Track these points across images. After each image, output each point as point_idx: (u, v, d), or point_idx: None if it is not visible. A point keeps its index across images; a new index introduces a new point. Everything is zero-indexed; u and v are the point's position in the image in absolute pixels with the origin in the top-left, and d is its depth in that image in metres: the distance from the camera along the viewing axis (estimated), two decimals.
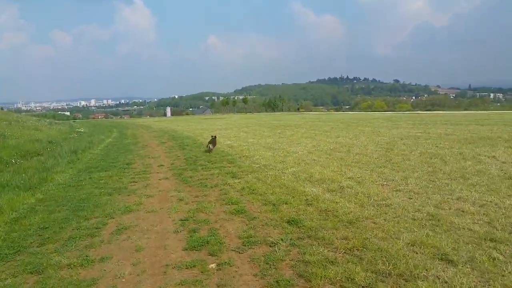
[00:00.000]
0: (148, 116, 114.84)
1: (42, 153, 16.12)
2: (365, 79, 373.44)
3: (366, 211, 5.38)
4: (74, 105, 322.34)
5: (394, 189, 6.59)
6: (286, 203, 6.11)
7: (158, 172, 10.03)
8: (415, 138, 14.07)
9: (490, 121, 23.20)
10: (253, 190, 7.11)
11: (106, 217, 6.19)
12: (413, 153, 10.37)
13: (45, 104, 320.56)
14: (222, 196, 6.96)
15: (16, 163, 12.71)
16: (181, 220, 5.72)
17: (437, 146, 11.40)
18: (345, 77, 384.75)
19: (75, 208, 6.78)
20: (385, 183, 7.07)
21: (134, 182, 8.92)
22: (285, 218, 5.33)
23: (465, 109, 59.36)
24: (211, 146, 13.76)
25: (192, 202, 6.76)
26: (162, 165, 11.14)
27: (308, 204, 5.96)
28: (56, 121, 48.73)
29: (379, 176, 7.64)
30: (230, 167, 9.98)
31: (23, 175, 10.07)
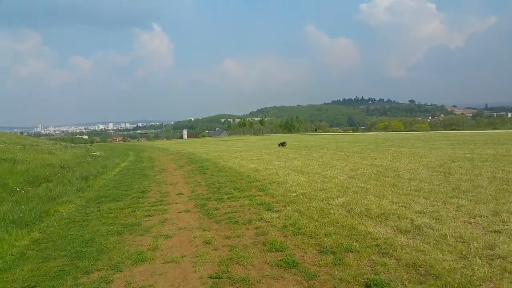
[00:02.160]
0: (165, 139, 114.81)
1: (52, 179, 14.95)
2: (380, 99, 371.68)
3: (477, 268, 3.76)
4: (93, 128, 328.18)
5: (491, 230, 4.95)
6: (350, 251, 4.54)
7: (177, 203, 8.58)
8: (468, 160, 12.34)
9: None
10: (299, 229, 5.58)
11: (112, 269, 4.74)
12: (479, 178, 8.70)
13: (64, 128, 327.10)
14: (260, 238, 5.44)
15: (22, 191, 11.47)
16: (211, 277, 4.21)
17: (503, 170, 9.69)
18: (360, 98, 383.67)
19: (74, 255, 5.36)
20: (472, 220, 5.44)
21: (149, 216, 7.49)
22: (360, 279, 3.76)
23: (486, 128, 56.83)
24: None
25: (223, 246, 5.25)
26: (181, 194, 9.71)
27: (382, 254, 4.38)
28: (72, 144, 48.27)
29: (458, 210, 6.01)
30: (261, 196, 8.47)
31: (23, 206, 8.75)
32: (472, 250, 4.22)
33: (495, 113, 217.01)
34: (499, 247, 4.22)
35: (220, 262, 4.62)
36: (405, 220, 5.60)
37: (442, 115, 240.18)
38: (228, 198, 8.53)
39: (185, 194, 9.59)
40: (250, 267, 4.41)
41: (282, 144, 26.37)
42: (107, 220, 7.32)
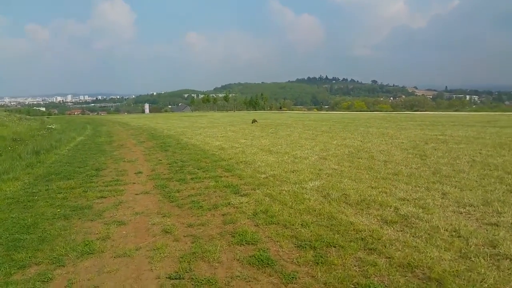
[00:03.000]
0: (126, 113, 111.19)
1: (0, 153, 13.62)
2: (343, 79, 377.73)
3: (484, 272, 3.25)
4: (50, 100, 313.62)
5: (487, 222, 4.52)
6: (333, 246, 3.98)
7: (135, 183, 7.77)
8: (441, 142, 12.16)
9: (502, 122, 21.85)
10: (272, 217, 4.97)
11: (53, 263, 3.97)
12: (458, 162, 8.41)
13: (20, 100, 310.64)
14: (228, 227, 4.79)
15: None
16: (171, 278, 3.52)
17: (480, 153, 9.47)
18: (324, 77, 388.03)
19: (11, 244, 4.53)
20: (462, 209, 5.01)
21: (102, 197, 6.67)
22: (349, 284, 3.18)
23: (447, 110, 58.65)
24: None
25: (185, 237, 4.56)
26: (140, 172, 8.88)
27: (370, 250, 3.84)
28: (28, 116, 45.47)
29: (444, 198, 5.59)
30: (227, 177, 7.81)
31: None
32: (472, 248, 3.74)
33: (454, 96, 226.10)
34: (502, 245, 3.75)
35: (182, 257, 3.94)
36: (388, 208, 5.11)
37: (403, 96, 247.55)
38: (192, 178, 7.80)
39: (144, 173, 8.77)
40: (216, 264, 3.76)
41: (254, 121, 26.15)
42: (54, 202, 6.44)
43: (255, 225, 4.79)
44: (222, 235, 4.54)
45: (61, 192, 7.08)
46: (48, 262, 4.00)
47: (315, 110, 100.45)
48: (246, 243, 4.22)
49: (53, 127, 28.51)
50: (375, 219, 4.74)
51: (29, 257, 4.12)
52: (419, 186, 6.28)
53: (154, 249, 4.23)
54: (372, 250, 3.83)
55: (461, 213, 4.86)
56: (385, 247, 3.87)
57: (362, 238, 4.13)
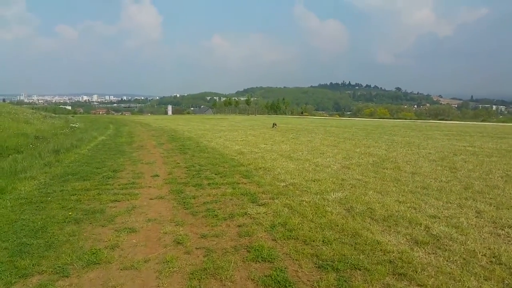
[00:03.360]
0: (149, 114, 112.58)
1: (22, 150, 13.77)
2: (367, 86, 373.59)
3: None
4: (77, 99, 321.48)
5: None
6: (357, 268, 3.62)
7: (150, 186, 7.55)
8: (471, 154, 11.55)
9: None
10: (291, 231, 4.63)
11: (57, 273, 3.75)
12: (491, 176, 7.88)
13: (48, 98, 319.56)
14: (244, 240, 4.47)
15: None
16: None
17: None
18: (347, 83, 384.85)
19: (17, 249, 4.35)
20: (501, 231, 4.55)
21: (116, 201, 6.46)
22: None
23: (473, 120, 56.74)
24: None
25: (197, 249, 4.27)
26: (156, 175, 8.67)
27: (399, 275, 3.46)
28: (53, 114, 46.37)
29: (479, 217, 5.13)
30: (245, 183, 7.50)
31: None
32: None
33: (480, 105, 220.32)
34: None
35: (192, 273, 3.65)
36: (418, 227, 4.70)
37: (427, 104, 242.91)
38: (209, 184, 7.53)
39: (161, 177, 8.55)
40: (229, 284, 3.45)
41: (274, 126, 25.77)
42: (67, 204, 6.27)
43: (272, 240, 4.46)
44: (237, 249, 4.23)
45: (75, 194, 6.92)
46: (52, 271, 3.78)
47: (337, 116, 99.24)
48: (262, 260, 3.89)
49: (77, 126, 28.87)
50: (404, 239, 4.33)
51: (32, 265, 3.91)
52: (450, 202, 5.82)
53: (163, 261, 3.95)
54: (402, 276, 3.45)
55: (499, 235, 4.42)
56: (416, 272, 3.48)
57: (390, 261, 3.75)
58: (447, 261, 3.74)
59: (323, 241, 4.30)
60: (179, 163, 10.38)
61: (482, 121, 49.70)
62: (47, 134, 20.16)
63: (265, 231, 4.73)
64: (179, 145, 15.12)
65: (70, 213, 5.76)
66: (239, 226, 4.99)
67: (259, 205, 5.90)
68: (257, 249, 4.13)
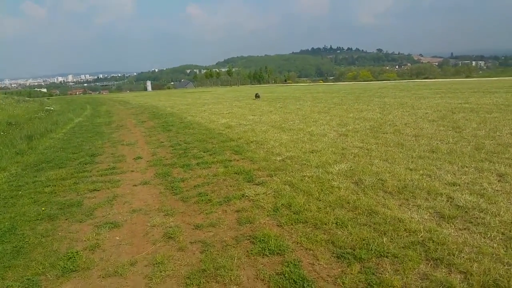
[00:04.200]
0: (128, 91, 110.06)
1: None
2: (348, 49, 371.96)
3: None
4: (51, 81, 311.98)
5: None
6: (384, 255, 3.05)
7: (133, 171, 6.86)
8: (470, 111, 11.07)
9: None
10: (297, 214, 4.03)
11: (24, 286, 3.08)
12: (499, 134, 7.38)
13: (21, 81, 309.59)
14: (245, 229, 3.87)
15: None
16: None
17: None
18: (329, 47, 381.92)
19: None
20: None
21: (95, 190, 5.77)
22: None
23: (456, 77, 56.69)
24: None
25: (192, 244, 3.65)
26: (139, 157, 7.95)
27: (436, 261, 2.90)
28: (26, 98, 44.57)
29: (503, 181, 4.61)
30: (238, 160, 6.86)
31: None
32: None
33: (460, 62, 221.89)
34: None
35: (189, 276, 3.04)
36: (439, 197, 4.14)
37: (409, 64, 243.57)
38: (198, 164, 6.86)
39: (144, 158, 7.85)
40: (234, 286, 2.85)
41: (257, 96, 24.54)
42: (40, 197, 5.56)
43: (278, 225, 3.86)
44: (239, 240, 3.62)
45: (50, 185, 6.19)
46: (19, 286, 3.13)
47: (320, 82, 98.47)
48: (270, 253, 3.29)
49: (52, 108, 27.58)
50: (428, 213, 3.78)
51: None
52: (466, 166, 5.29)
53: (153, 263, 3.33)
54: (438, 262, 2.90)
55: None
56: (453, 255, 2.94)
57: (419, 243, 3.19)
58: (484, 238, 3.20)
59: (336, 223, 3.71)
60: (163, 142, 9.65)
61: (466, 77, 49.65)
62: (20, 119, 19.03)
63: (268, 215, 4.13)
64: (161, 122, 14.32)
65: (43, 209, 5.06)
66: (237, 211, 4.37)
67: (257, 185, 5.28)
68: (262, 239, 3.52)
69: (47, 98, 56.85)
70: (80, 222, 4.52)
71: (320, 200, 4.36)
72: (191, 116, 15.49)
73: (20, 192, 5.90)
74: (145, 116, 17.42)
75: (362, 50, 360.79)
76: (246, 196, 4.80)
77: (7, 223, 4.56)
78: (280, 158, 6.62)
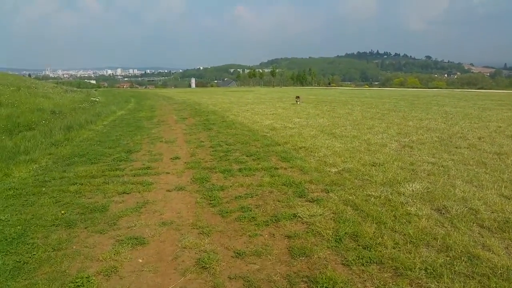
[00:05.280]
0: (173, 87, 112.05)
1: (35, 127, 12.64)
2: (395, 54, 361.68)
3: None
4: (101, 73, 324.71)
5: None
6: None
7: (168, 173, 6.15)
8: None
9: None
10: (369, 249, 3.11)
11: None
12: None
13: (72, 72, 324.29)
14: (300, 264, 2.99)
15: None
16: None
17: None
18: (375, 52, 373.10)
19: None
20: None
21: (124, 193, 5.10)
22: None
23: (509, 89, 52.69)
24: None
25: (231, 280, 2.84)
26: (177, 158, 7.27)
27: None
28: (74, 88, 45.93)
29: None
30: (286, 169, 5.99)
31: None
32: None
33: None
34: None
35: None
36: None
37: (458, 73, 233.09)
38: (240, 170, 6.05)
39: (182, 159, 7.15)
40: None
41: (297, 99, 21.38)
42: (63, 197, 4.97)
43: (343, 264, 2.95)
44: (292, 282, 2.75)
45: (77, 183, 5.60)
46: None
47: (366, 86, 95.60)
48: None
49: (97, 100, 27.92)
50: None
51: None
52: None
53: None
54: None
55: None
56: None
57: None
58: None
59: (425, 270, 2.75)
60: (203, 142, 8.95)
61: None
62: (65, 108, 19.12)
63: (328, 247, 3.22)
64: (203, 119, 13.70)
65: (63, 212, 4.44)
66: (288, 236, 3.50)
67: (310, 202, 4.39)
68: (325, 286, 2.63)
69: (95, 90, 58.53)
70: (101, 233, 3.83)
71: (396, 232, 3.40)
72: (234, 115, 14.78)
73: (44, 189, 5.33)
74: (187, 113, 16.92)
75: (410, 56, 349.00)
76: (299, 216, 3.91)
77: (19, 227, 3.94)
78: (336, 170, 5.68)
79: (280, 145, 8.00)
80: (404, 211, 3.85)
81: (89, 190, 5.27)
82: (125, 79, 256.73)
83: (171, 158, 7.24)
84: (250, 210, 4.22)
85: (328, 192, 4.67)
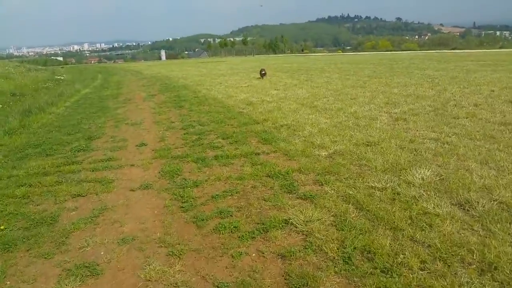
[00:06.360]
0: (142, 60, 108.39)
1: None
2: (366, 17, 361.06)
3: None
4: (68, 50, 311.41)
5: None
6: None
7: (132, 165, 5.28)
8: None
9: None
10: (389, 274, 2.38)
11: None
12: None
13: (38, 49, 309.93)
14: None
15: None
16: None
17: None
18: (346, 15, 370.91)
19: None
20: None
21: (79, 196, 4.25)
22: None
23: (481, 48, 53.00)
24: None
25: None
26: (143, 144, 6.39)
27: None
28: (38, 67, 43.36)
29: None
30: (269, 154, 5.21)
31: None
32: None
33: (483, 32, 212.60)
34: None
35: None
36: None
37: (429, 34, 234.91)
38: (216, 157, 5.23)
39: (149, 145, 6.28)
40: None
41: (262, 73, 16.67)
42: (7, 205, 4.11)
43: None
44: None
45: (25, 184, 4.70)
46: None
47: (339, 51, 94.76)
48: None
49: (63, 78, 26.16)
50: None
51: None
52: None
53: None
54: None
55: None
56: None
57: None
58: None
59: None
60: (173, 122, 8.05)
61: (501, 47, 46.32)
62: (26, 89, 17.65)
63: (336, 272, 2.48)
64: (173, 96, 12.65)
65: (2, 227, 3.56)
66: (282, 256, 2.74)
67: (302, 199, 3.64)
68: None
69: (62, 67, 55.58)
70: (46, 257, 3.01)
71: (417, 243, 2.69)
72: (206, 89, 13.77)
73: None
74: (156, 89, 15.76)
75: (381, 18, 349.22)
76: (292, 223, 3.15)
77: None
78: (326, 153, 4.93)
79: (259, 123, 7.18)
80: (419, 209, 3.14)
81: (39, 193, 4.37)
82: (93, 54, 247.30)
83: (137, 145, 6.34)
84: (231, 215, 3.44)
85: (322, 185, 3.92)
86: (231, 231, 3.15)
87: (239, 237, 3.05)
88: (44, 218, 3.71)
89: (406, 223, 2.95)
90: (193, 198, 3.91)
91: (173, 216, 3.56)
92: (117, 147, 6.32)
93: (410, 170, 4.00)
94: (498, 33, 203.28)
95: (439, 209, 3.11)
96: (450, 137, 5.22)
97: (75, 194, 4.28)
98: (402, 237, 2.76)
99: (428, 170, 3.92)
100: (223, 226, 3.22)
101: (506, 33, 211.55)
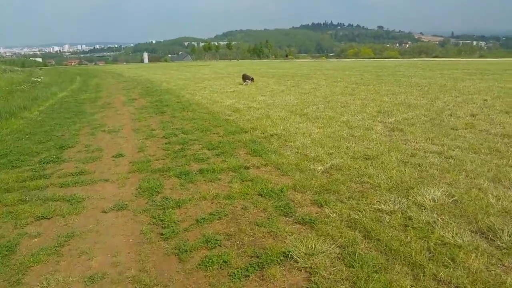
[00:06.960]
0: (124, 63, 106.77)
1: None
2: (349, 25, 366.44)
3: None
4: (47, 51, 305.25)
5: None
6: None
7: (107, 180, 4.73)
8: None
9: None
10: None
11: None
12: None
13: (16, 50, 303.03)
14: None
15: None
16: None
17: None
18: (329, 22, 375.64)
19: None
20: None
21: (43, 218, 3.71)
22: None
23: (460, 56, 53.87)
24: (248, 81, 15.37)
25: None
26: (120, 155, 5.85)
27: None
28: (16, 68, 42.10)
29: None
30: (259, 167, 4.76)
31: None
32: None
33: (460, 41, 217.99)
34: None
35: None
36: None
37: (409, 42, 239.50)
38: (201, 171, 4.73)
39: (127, 157, 5.74)
40: None
41: (246, 79, 16.23)
42: None
43: None
44: None
45: None
46: None
47: (323, 58, 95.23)
48: None
49: (40, 80, 25.20)
50: None
51: None
52: None
53: None
54: None
55: None
56: None
57: None
58: None
59: None
60: (154, 130, 7.52)
61: (480, 56, 47.16)
62: (0, 92, 16.79)
63: None
64: (155, 100, 12.10)
65: None
66: None
67: (301, 224, 3.19)
68: None
69: (40, 69, 54.01)
70: None
71: (442, 283, 2.27)
72: (190, 94, 13.25)
73: None
74: (137, 93, 15.15)
75: (363, 26, 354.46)
76: (292, 257, 2.69)
77: None
78: (323, 168, 4.49)
79: (247, 132, 6.72)
80: (437, 239, 2.73)
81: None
82: (74, 55, 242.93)
83: (113, 156, 5.80)
84: (219, 245, 2.96)
85: (322, 206, 3.48)
86: (220, 267, 2.66)
87: (229, 275, 2.56)
88: (0, 247, 3.16)
89: (425, 257, 2.52)
90: (175, 222, 3.41)
91: (151, 246, 3.06)
92: (91, 158, 5.76)
93: (418, 189, 3.60)
94: (474, 42, 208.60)
95: (459, 239, 2.70)
96: (453, 150, 4.85)
97: (39, 216, 3.73)
98: (423, 276, 2.33)
99: (438, 190, 3.52)
100: (211, 260, 2.74)
101: (482, 43, 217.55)
